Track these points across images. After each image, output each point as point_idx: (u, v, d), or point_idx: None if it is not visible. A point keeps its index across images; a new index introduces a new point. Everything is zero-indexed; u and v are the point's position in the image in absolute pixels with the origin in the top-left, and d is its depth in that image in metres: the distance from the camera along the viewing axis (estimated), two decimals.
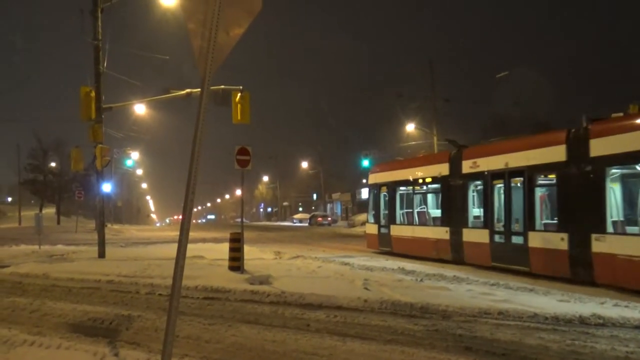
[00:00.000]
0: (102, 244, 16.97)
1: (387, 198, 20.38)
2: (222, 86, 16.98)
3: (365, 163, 45.54)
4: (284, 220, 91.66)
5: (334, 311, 8.51)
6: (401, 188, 19.77)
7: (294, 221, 75.39)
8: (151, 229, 58.36)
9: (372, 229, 21.29)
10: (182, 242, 4.00)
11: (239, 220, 18.13)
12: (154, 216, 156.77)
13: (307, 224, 63.90)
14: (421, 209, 19.07)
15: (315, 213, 69.78)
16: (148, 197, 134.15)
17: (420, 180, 18.46)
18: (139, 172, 72.15)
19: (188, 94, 17.54)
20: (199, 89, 4.20)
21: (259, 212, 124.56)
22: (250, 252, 17.35)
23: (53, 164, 60.78)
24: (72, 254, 18.21)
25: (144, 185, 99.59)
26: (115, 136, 35.01)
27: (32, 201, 76.40)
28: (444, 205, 17.23)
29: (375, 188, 21.36)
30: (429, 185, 18.44)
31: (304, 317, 8.16)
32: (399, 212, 19.75)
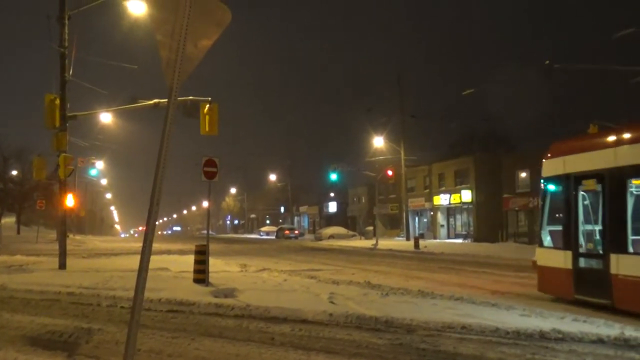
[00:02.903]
0: (63, 254, 16.60)
1: (597, 201, 11.06)
2: (191, 97, 16.88)
3: (333, 177, 45.82)
4: (251, 232, 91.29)
5: (299, 325, 8.48)
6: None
7: (261, 234, 75.17)
8: (115, 240, 57.26)
9: (554, 258, 11.64)
10: (145, 253, 3.95)
11: (205, 232, 17.90)
12: (118, 227, 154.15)
13: (274, 237, 63.75)
14: None
15: (283, 226, 69.72)
16: (112, 208, 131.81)
17: None
18: (104, 181, 71.06)
19: (156, 104, 17.36)
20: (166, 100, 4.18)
21: (225, 225, 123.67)
22: (215, 264, 17.21)
23: (14, 172, 59.28)
24: (31, 265, 17.77)
25: (109, 196, 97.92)
26: (80, 145, 34.49)
27: None
28: None
29: (559, 184, 11.97)
30: None
31: (269, 331, 8.11)
32: (632, 227, 10.19)
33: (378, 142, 44.36)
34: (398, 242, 42.09)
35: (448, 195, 48.53)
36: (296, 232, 64.09)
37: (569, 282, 10.99)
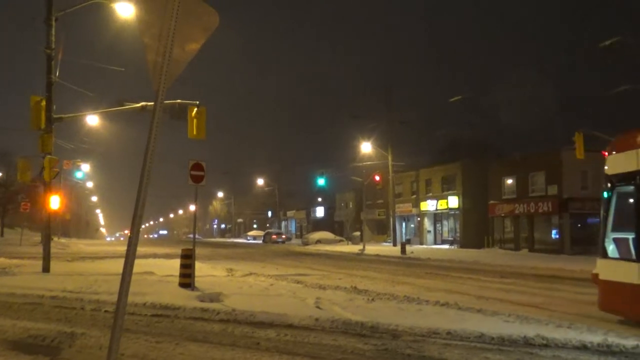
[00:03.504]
0: (47, 257, 16.43)
1: None
2: (179, 100, 16.83)
3: (321, 182, 45.82)
4: (238, 237, 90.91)
5: (284, 330, 8.46)
6: None
7: (248, 238, 74.93)
8: (100, 244, 56.81)
9: (624, 271, 9.44)
10: (130, 256, 3.92)
11: (191, 236, 17.83)
12: (103, 230, 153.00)
13: (261, 242, 63.59)
14: None
15: (270, 230, 69.63)
16: (98, 211, 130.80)
17: None
18: (89, 184, 70.44)
19: (143, 107, 17.28)
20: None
21: (212, 229, 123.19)
22: (202, 268, 17.12)
23: None
24: (14, 268, 17.56)
25: (94, 199, 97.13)
26: (65, 147, 34.17)
27: None
28: None
29: (631, 182, 9.58)
30: None
31: (254, 336, 8.08)
32: None
33: (366, 147, 44.43)
34: (385, 248, 42.16)
35: (435, 201, 48.73)
36: (283, 236, 64.05)
37: None
